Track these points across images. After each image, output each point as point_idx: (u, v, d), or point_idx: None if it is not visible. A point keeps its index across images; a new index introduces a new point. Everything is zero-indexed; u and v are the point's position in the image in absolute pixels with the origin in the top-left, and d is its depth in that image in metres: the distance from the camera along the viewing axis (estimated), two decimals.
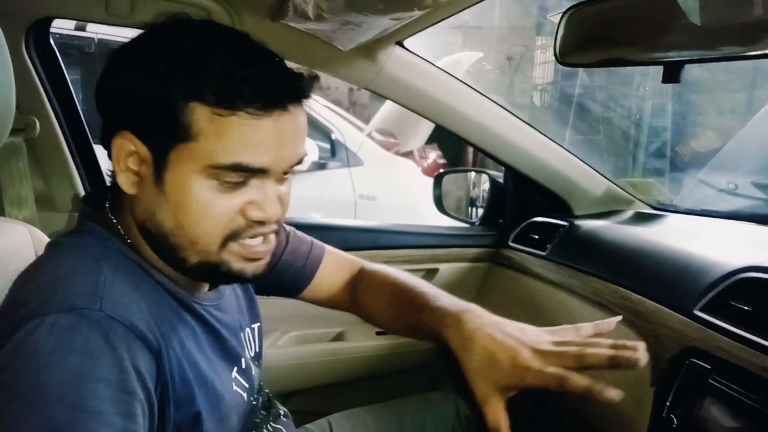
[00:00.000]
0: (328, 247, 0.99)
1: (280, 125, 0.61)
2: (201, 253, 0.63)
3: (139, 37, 0.64)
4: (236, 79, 0.58)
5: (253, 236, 0.65)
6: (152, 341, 0.59)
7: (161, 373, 0.60)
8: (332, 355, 1.44)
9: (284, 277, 0.94)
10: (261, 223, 0.64)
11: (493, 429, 0.65)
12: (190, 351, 0.65)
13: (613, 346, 0.65)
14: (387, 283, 0.92)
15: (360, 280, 0.97)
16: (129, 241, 0.66)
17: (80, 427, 0.50)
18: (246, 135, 0.59)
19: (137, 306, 0.59)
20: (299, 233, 0.97)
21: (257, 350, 0.85)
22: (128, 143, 0.61)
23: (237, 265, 0.65)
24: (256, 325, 0.86)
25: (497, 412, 0.65)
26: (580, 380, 0.62)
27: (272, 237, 0.68)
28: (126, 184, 0.63)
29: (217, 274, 0.66)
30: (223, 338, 0.73)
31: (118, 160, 0.62)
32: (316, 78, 0.66)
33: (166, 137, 0.59)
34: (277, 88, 0.60)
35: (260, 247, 0.66)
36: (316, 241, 0.98)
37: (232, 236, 0.63)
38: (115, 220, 0.67)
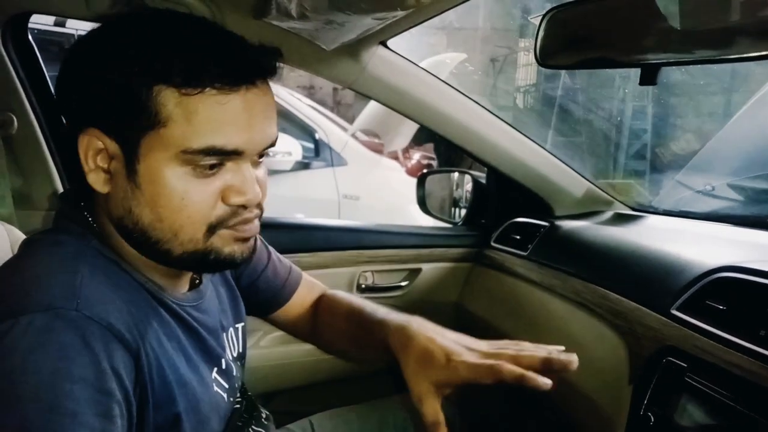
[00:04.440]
0: (303, 274, 1.00)
1: (249, 102, 0.59)
2: (186, 244, 0.61)
3: (97, 29, 0.62)
4: (201, 56, 0.57)
5: (240, 223, 0.63)
6: (130, 341, 0.57)
7: (140, 373, 0.59)
8: (314, 355, 1.42)
9: (261, 295, 0.93)
10: (243, 207, 0.62)
11: (430, 423, 0.67)
12: (170, 351, 0.64)
13: (548, 353, 0.67)
14: (344, 303, 0.94)
15: (320, 304, 0.99)
16: (106, 239, 0.65)
17: (56, 428, 0.49)
18: (216, 114, 0.57)
19: (115, 305, 0.58)
20: (279, 255, 0.98)
21: (240, 350, 0.84)
22: (95, 140, 0.60)
23: (227, 249, 0.63)
24: (240, 325, 0.85)
25: (434, 408, 0.67)
26: (513, 369, 0.64)
27: (257, 221, 0.67)
28: (97, 183, 0.61)
29: (205, 263, 0.64)
30: (203, 338, 0.72)
31: (86, 159, 0.60)
32: (279, 53, 0.65)
33: (134, 127, 0.57)
34: (243, 63, 0.59)
35: (247, 227, 0.65)
36: (294, 266, 0.99)
37: (218, 225, 0.62)
38: (91, 219, 0.65)
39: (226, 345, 0.79)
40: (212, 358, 0.73)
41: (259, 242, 0.93)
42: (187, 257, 0.63)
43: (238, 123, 0.59)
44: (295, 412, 1.13)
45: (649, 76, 0.66)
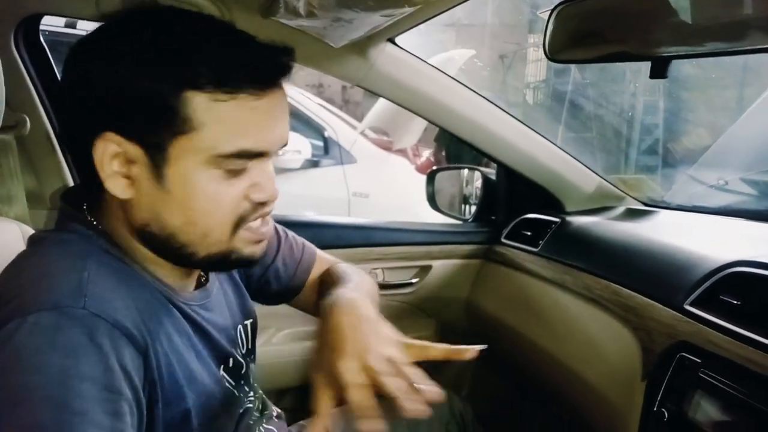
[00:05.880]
0: (318, 251, 0.97)
1: (273, 104, 0.60)
2: (213, 245, 0.62)
3: (106, 29, 0.61)
4: (230, 62, 0.57)
5: (257, 218, 0.65)
6: (138, 339, 0.57)
7: (148, 371, 0.59)
8: None
9: (276, 284, 0.91)
10: (263, 204, 0.64)
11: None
12: (178, 348, 0.64)
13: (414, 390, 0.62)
14: (329, 272, 0.91)
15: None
16: (114, 240, 0.64)
17: (66, 427, 0.49)
18: (246, 119, 0.58)
19: (123, 303, 0.58)
20: (290, 234, 0.95)
21: (249, 347, 0.84)
22: (112, 144, 0.58)
23: (247, 250, 0.65)
24: (248, 322, 0.85)
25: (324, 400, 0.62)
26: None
27: (271, 221, 0.69)
28: (117, 188, 0.60)
29: (226, 263, 0.66)
30: (211, 337, 0.71)
31: (102, 165, 0.58)
32: (293, 52, 0.64)
33: (162, 132, 0.57)
34: (271, 66, 0.60)
35: (264, 228, 0.66)
36: (308, 244, 0.96)
37: (240, 222, 0.63)
38: (95, 222, 0.64)
39: (237, 342, 0.79)
40: (221, 355, 0.73)
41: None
42: (210, 258, 0.64)
43: (264, 125, 0.60)
44: (308, 409, 1.13)
45: (659, 70, 0.65)
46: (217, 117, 0.57)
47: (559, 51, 0.77)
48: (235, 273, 0.86)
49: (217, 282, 0.79)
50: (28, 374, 0.50)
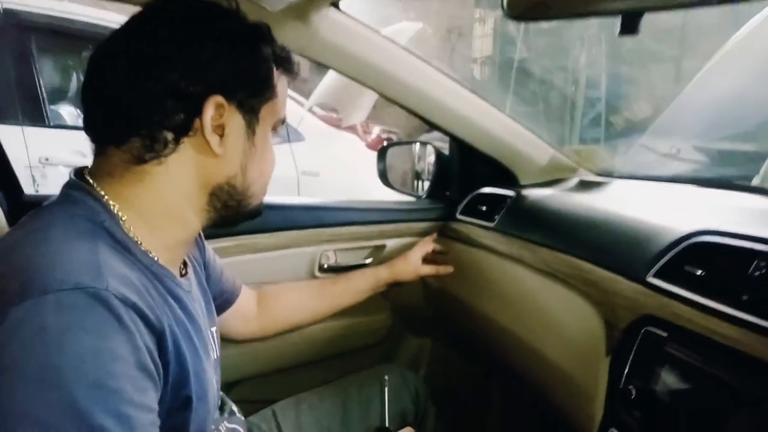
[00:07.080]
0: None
1: None
2: (261, 194, 0.76)
3: (190, 16, 0.65)
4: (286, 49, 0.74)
5: None
6: (154, 322, 0.59)
7: (162, 354, 0.60)
8: (277, 340, 1.37)
9: (220, 297, 0.98)
10: None
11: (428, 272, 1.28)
12: (180, 336, 0.65)
13: None
14: (303, 283, 1.16)
15: (264, 296, 1.12)
16: (123, 218, 0.63)
17: (103, 405, 0.50)
18: (286, 93, 0.75)
19: (134, 287, 0.58)
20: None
21: (218, 353, 0.82)
22: (214, 107, 0.64)
23: (263, 201, 0.78)
24: (216, 328, 0.84)
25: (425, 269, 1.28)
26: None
27: None
28: (216, 144, 0.66)
29: (258, 212, 0.77)
30: (200, 328, 0.72)
31: (207, 123, 0.65)
32: None
33: (260, 98, 0.69)
34: None
35: None
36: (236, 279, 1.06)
37: None
38: (105, 195, 0.64)
39: (211, 344, 0.78)
40: (206, 347, 0.74)
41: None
42: (256, 207, 0.76)
43: None
44: (258, 400, 1.08)
45: (629, 25, 0.60)
46: (281, 89, 0.73)
47: (519, 7, 0.71)
48: (203, 276, 0.87)
49: (192, 281, 0.79)
50: (59, 354, 0.50)
